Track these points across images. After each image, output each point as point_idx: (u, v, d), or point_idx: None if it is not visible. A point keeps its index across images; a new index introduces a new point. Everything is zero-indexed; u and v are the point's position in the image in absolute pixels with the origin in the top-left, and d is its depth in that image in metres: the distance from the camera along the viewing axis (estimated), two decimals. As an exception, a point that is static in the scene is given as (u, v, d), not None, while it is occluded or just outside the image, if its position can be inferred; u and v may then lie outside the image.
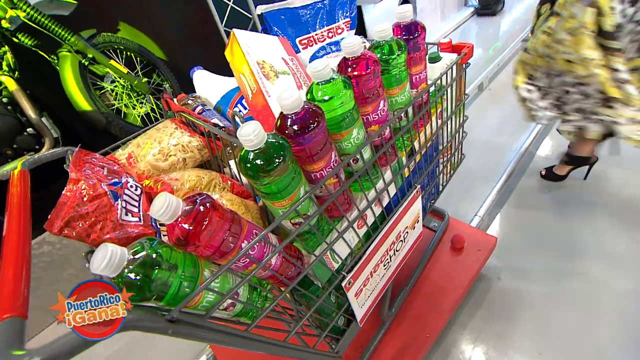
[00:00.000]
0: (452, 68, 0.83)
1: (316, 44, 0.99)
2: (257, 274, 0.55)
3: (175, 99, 0.94)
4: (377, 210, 0.80)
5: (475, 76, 2.58)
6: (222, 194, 0.67)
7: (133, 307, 0.38)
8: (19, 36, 1.46)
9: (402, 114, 0.73)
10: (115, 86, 1.80)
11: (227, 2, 2.02)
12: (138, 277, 0.41)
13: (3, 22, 1.41)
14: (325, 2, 0.97)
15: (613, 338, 1.12)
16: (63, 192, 0.47)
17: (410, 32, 0.71)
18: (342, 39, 0.99)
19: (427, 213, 1.21)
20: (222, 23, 2.04)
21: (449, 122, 0.94)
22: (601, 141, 1.39)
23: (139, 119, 1.90)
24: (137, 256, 0.42)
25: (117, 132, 1.81)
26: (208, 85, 1.01)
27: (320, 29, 0.98)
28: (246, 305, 0.57)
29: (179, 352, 1.41)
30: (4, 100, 1.46)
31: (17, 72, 1.49)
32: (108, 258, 0.39)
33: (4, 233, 0.49)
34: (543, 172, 1.66)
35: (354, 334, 0.89)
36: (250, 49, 0.83)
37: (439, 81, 0.80)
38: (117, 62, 1.78)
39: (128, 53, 1.82)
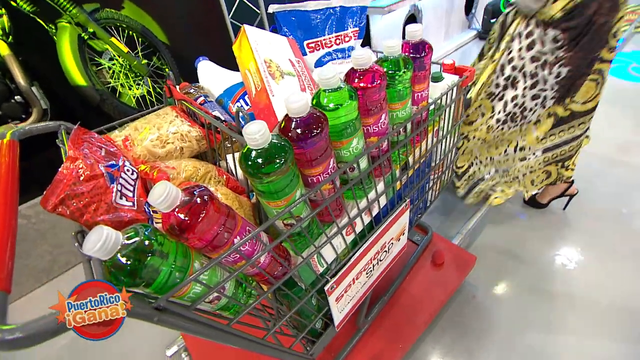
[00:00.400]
0: (452, 89, 0.86)
1: (323, 48, 1.00)
2: (245, 270, 0.55)
3: (177, 87, 0.94)
4: (367, 219, 0.81)
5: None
6: (217, 187, 0.67)
7: (121, 291, 0.38)
8: (18, 0, 1.42)
9: (401, 129, 0.75)
10: (114, 64, 1.76)
11: (237, -6, 2.02)
12: (129, 262, 0.41)
13: (3, -16, 1.37)
14: (336, 9, 0.98)
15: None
16: (60, 169, 0.47)
17: (418, 50, 0.73)
18: (349, 47, 1.01)
19: (413, 226, 1.23)
20: (229, 15, 2.03)
21: (443, 141, 0.97)
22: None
23: (133, 100, 1.87)
24: (130, 241, 0.42)
25: (110, 111, 1.77)
26: (212, 77, 1.00)
27: (328, 34, 0.99)
28: (230, 300, 0.57)
29: (151, 339, 1.39)
30: (-6, 64, 1.41)
31: (11, 37, 1.44)
32: (103, 240, 0.39)
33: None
34: (526, 198, 1.72)
35: (330, 338, 0.90)
36: (259, 46, 0.84)
37: (439, 100, 0.82)
38: (117, 40, 1.74)
39: (130, 32, 1.78)
